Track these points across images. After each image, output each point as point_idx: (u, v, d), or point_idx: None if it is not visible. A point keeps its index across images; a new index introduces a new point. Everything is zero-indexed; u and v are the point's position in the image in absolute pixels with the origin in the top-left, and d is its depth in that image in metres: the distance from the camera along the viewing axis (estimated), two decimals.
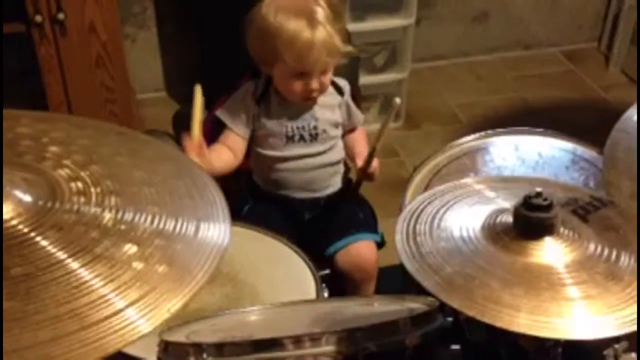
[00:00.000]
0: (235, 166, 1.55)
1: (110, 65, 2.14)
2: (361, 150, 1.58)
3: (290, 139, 1.53)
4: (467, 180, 1.09)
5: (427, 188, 1.47)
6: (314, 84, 1.47)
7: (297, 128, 1.53)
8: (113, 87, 2.18)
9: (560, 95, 2.83)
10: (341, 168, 1.65)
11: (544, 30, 3.05)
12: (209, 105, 2.22)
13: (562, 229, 0.95)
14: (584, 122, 2.16)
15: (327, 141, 1.56)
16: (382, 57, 2.57)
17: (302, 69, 1.45)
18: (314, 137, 1.54)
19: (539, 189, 0.92)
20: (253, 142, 1.56)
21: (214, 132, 1.72)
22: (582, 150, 1.60)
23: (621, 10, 2.94)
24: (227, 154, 1.54)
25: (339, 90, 1.57)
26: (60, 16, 2.00)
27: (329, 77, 1.50)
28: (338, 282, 1.52)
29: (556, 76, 2.97)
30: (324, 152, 1.57)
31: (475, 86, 2.91)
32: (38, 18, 1.99)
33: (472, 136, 1.65)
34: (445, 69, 2.97)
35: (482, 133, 1.65)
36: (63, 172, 0.81)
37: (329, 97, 1.55)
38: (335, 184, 1.63)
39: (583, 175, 1.53)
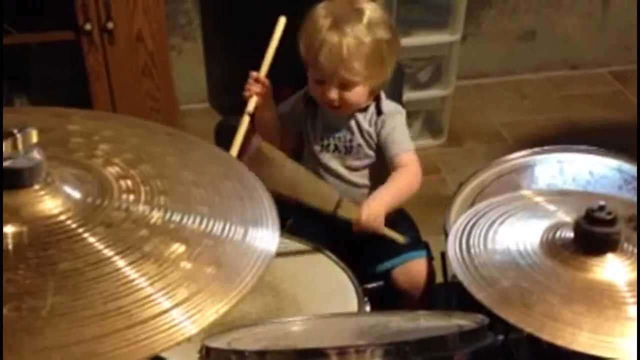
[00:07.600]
0: (275, 139, 1.52)
1: (157, 75, 2.16)
2: (380, 191, 1.44)
3: (325, 148, 1.52)
4: (525, 192, 1.05)
5: (472, 205, 1.43)
6: (332, 94, 1.43)
7: (333, 138, 1.52)
8: (158, 97, 2.19)
9: (608, 116, 2.76)
10: None
11: (591, 50, 2.99)
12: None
13: (625, 245, 0.91)
14: (632, 143, 2.09)
15: (362, 158, 1.53)
16: (426, 72, 2.54)
17: (318, 74, 1.43)
18: (348, 150, 1.52)
19: (602, 202, 0.88)
20: (305, 141, 1.56)
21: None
22: (634, 170, 1.55)
23: None
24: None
25: (379, 111, 1.51)
26: (110, 25, 2.02)
27: (355, 94, 1.44)
28: (387, 298, 1.49)
29: (604, 96, 2.90)
30: (357, 169, 1.53)
31: (520, 105, 2.85)
32: (87, 26, 2.01)
33: (519, 153, 1.60)
34: (490, 87, 2.93)
35: (530, 150, 1.61)
36: (113, 170, 0.80)
37: (369, 114, 1.51)
38: None
39: (636, 196, 1.47)
